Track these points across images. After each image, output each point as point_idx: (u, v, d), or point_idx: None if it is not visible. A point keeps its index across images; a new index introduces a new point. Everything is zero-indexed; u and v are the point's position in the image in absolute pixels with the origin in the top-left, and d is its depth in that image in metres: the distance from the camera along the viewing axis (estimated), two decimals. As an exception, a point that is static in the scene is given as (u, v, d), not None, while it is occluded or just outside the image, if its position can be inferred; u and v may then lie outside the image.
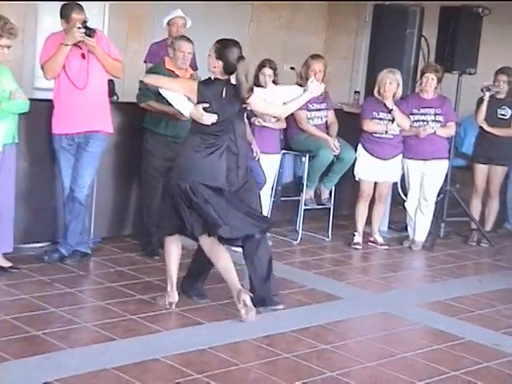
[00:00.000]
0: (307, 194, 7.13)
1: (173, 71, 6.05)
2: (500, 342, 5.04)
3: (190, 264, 5.37)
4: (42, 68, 5.71)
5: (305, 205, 7.13)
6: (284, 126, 7.00)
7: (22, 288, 5.20)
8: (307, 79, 6.96)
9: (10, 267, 5.49)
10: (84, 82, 5.63)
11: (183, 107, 5.07)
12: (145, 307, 5.07)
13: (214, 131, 4.97)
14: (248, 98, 5.00)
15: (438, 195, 7.40)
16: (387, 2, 7.64)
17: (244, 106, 5.08)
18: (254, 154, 6.69)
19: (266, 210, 7.02)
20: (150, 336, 4.62)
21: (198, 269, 5.33)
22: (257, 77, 6.70)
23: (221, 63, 4.97)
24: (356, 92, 9.26)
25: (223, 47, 4.99)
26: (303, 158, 7.06)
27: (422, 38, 7.62)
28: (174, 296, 5.11)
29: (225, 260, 5.02)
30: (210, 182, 4.94)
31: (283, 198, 7.24)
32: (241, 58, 4.96)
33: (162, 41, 7.22)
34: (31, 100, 5.51)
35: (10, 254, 5.55)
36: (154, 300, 5.17)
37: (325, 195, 7.24)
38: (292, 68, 8.28)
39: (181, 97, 5.06)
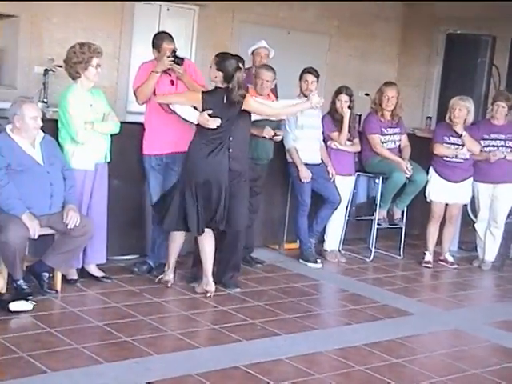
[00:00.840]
0: (380, 213, 7.05)
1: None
2: None
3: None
4: (135, 93, 5.81)
5: (378, 224, 7.05)
6: (359, 149, 6.95)
7: (113, 297, 5.28)
8: (381, 105, 6.96)
9: (103, 277, 5.58)
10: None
11: (191, 116, 5.41)
12: (226, 318, 5.08)
13: (217, 132, 5.32)
14: (239, 101, 5.32)
15: (508, 217, 7.23)
16: (459, 32, 7.55)
17: (243, 108, 5.37)
18: (330, 176, 6.67)
19: (340, 228, 7.00)
20: (231, 345, 4.62)
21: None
22: (333, 102, 6.69)
23: (220, 74, 5.31)
24: (428, 117, 9.16)
25: (222, 60, 5.34)
26: (377, 180, 6.98)
27: (493, 67, 7.48)
28: (170, 276, 5.60)
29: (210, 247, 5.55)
30: (214, 180, 5.30)
31: (357, 218, 7.17)
32: (238, 68, 5.30)
33: (245, 69, 7.24)
34: (124, 123, 5.59)
35: (103, 265, 5.64)
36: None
37: (397, 215, 7.14)
38: (366, 94, 8.25)
39: (188, 108, 5.42)
